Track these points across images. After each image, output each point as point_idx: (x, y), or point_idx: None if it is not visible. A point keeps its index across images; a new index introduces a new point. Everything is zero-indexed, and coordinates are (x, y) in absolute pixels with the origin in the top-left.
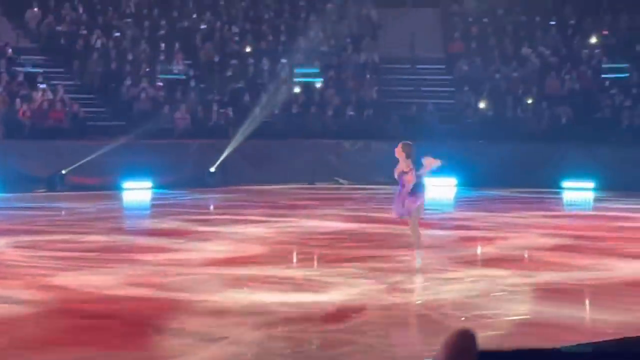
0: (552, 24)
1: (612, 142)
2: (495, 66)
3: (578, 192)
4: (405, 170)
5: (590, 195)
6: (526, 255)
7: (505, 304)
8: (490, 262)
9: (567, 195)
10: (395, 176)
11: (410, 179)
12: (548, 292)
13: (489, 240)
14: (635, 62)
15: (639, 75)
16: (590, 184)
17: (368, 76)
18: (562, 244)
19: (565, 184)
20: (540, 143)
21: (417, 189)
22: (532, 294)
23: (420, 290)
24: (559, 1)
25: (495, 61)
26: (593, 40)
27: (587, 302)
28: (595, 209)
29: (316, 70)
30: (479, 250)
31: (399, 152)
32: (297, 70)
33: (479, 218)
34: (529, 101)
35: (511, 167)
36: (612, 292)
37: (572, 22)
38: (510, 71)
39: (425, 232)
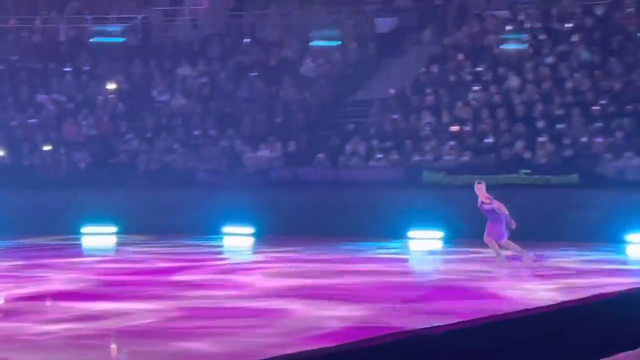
0: (68, 70)
1: (130, 186)
2: (10, 113)
3: (99, 237)
4: (486, 201)
5: (112, 240)
6: (48, 304)
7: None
8: (10, 312)
9: (88, 241)
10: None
11: (497, 205)
12: (69, 340)
13: (6, 289)
14: (151, 108)
15: (154, 121)
16: (112, 229)
17: None
18: (81, 290)
19: (86, 229)
20: (60, 190)
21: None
22: (52, 343)
23: None
24: (73, 48)
25: (10, 108)
26: (109, 86)
27: (111, 349)
28: (117, 252)
29: None
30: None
31: (482, 189)
32: None
33: None
34: (47, 148)
35: (30, 215)
36: (130, 337)
37: (87, 68)
38: (26, 118)
39: None
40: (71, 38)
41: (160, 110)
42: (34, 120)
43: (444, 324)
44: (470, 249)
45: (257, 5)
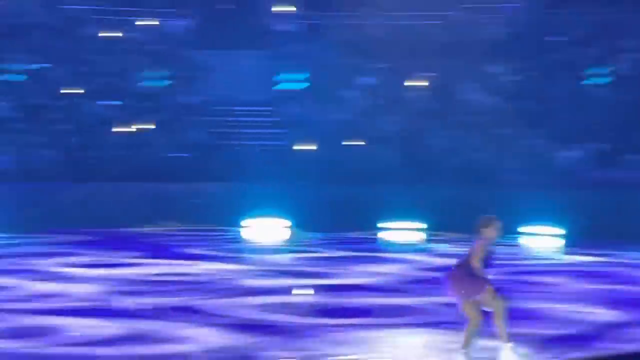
0: (380, 67)
1: (436, 183)
2: (325, 107)
3: (406, 232)
4: None
5: (420, 236)
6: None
7: None
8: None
9: (397, 236)
10: None
11: None
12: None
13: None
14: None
15: (460, 118)
16: (418, 224)
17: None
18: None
19: (388, 224)
20: (364, 185)
21: None
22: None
23: None
24: (386, 44)
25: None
26: (418, 82)
27: (418, 346)
28: (428, 249)
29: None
30: None
31: None
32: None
33: None
34: (357, 143)
35: (337, 209)
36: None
37: (395, 64)
38: (337, 113)
39: None
40: (385, 34)
41: (467, 107)
42: (344, 116)
43: None
44: None
45: (570, 4)
